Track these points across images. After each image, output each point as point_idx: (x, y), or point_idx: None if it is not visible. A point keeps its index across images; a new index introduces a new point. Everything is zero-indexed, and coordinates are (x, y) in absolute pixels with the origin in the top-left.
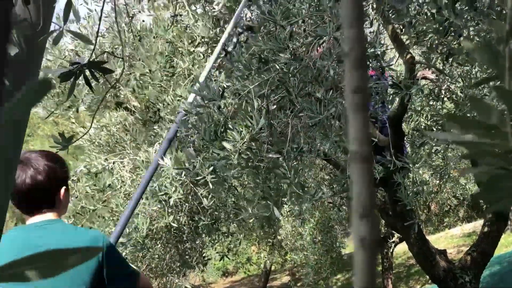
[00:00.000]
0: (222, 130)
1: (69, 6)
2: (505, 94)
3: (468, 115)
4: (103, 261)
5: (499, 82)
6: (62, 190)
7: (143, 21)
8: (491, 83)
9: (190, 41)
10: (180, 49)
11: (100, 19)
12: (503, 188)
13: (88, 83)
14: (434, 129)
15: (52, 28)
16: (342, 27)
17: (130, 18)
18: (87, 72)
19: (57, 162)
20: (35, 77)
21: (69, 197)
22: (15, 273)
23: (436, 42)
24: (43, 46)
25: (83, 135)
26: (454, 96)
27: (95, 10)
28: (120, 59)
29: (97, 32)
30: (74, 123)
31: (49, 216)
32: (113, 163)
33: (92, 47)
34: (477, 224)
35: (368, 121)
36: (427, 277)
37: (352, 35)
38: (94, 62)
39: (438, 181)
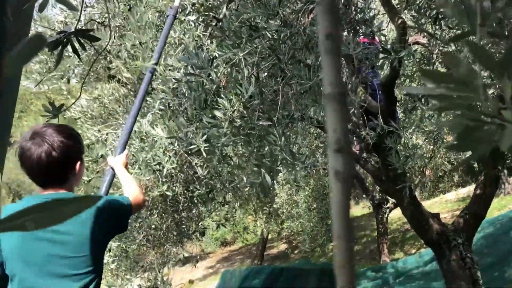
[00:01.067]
0: (212, 98)
1: None
2: (476, 49)
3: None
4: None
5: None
6: (77, 165)
7: None
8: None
9: (180, 9)
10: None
11: None
12: (476, 137)
13: (75, 51)
14: (425, 94)
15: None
16: None
17: None
18: (75, 41)
19: (72, 138)
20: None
21: (83, 170)
22: (16, 224)
23: (425, 6)
24: (30, 15)
25: (73, 103)
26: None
27: None
28: (110, 28)
29: (82, 3)
30: (66, 96)
31: (61, 190)
32: (106, 134)
33: (82, 19)
34: (471, 189)
35: (340, 64)
36: (422, 241)
37: None
38: (80, 30)
39: (431, 147)
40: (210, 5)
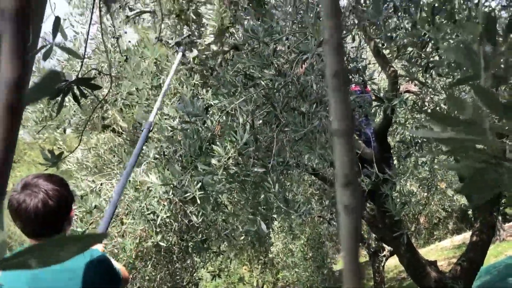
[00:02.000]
0: (207, 146)
1: (57, 22)
2: (482, 91)
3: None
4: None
5: (476, 81)
6: (71, 213)
7: (129, 41)
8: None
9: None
10: (166, 67)
11: (87, 36)
12: (487, 180)
13: (76, 99)
14: (419, 141)
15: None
16: (322, 18)
17: (116, 39)
18: (75, 89)
19: (64, 186)
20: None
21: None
22: (19, 262)
23: (416, 55)
24: (31, 63)
25: (71, 152)
26: (438, 107)
27: (81, 32)
28: (108, 77)
29: (85, 46)
30: (60, 147)
31: None
32: (101, 184)
33: (78, 68)
34: (467, 236)
35: (348, 101)
36: None
37: (331, 25)
38: (82, 79)
39: (425, 193)
40: (205, 56)
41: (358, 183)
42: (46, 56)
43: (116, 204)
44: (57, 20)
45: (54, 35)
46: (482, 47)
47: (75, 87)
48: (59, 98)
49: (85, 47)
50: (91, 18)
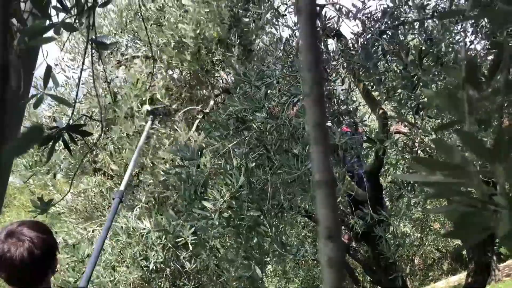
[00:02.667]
0: (202, 190)
1: (48, 71)
2: (466, 136)
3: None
4: None
5: (460, 126)
6: (55, 260)
7: (121, 84)
8: (455, 127)
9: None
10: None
11: (79, 81)
12: (474, 223)
13: (67, 146)
14: (411, 182)
15: (31, 94)
16: (301, 71)
17: (107, 83)
18: (66, 136)
19: (48, 232)
20: (16, 134)
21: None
22: None
23: (406, 97)
24: (22, 111)
25: (62, 198)
26: (428, 148)
27: (72, 77)
28: (98, 123)
29: (77, 92)
30: (50, 191)
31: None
32: (92, 231)
33: (69, 113)
34: (462, 276)
35: (329, 152)
36: None
37: (311, 78)
38: (73, 126)
39: (419, 234)
40: (197, 98)
41: (341, 236)
42: (36, 105)
43: (93, 267)
44: (48, 69)
45: (45, 84)
46: (465, 92)
47: (65, 133)
48: (49, 145)
49: (77, 93)
50: (83, 64)
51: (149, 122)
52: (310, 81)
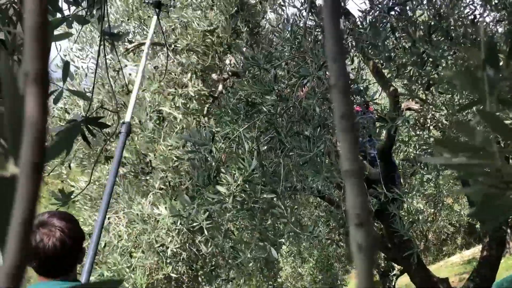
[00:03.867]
0: (215, 174)
1: (67, 66)
2: (488, 116)
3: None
4: None
5: (481, 106)
6: (83, 250)
7: (130, 74)
8: (474, 108)
9: (179, 88)
10: (169, 97)
11: (95, 74)
12: (497, 205)
13: (85, 139)
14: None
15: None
16: (327, 62)
17: (117, 71)
18: (84, 128)
19: (75, 222)
20: None
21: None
22: None
23: (416, 73)
24: None
25: (83, 190)
26: (439, 124)
27: (82, 67)
28: (111, 113)
29: (93, 88)
30: (63, 181)
31: (69, 277)
32: (108, 219)
33: (80, 103)
34: (476, 250)
35: (356, 142)
36: None
37: (337, 68)
38: (91, 118)
39: (432, 210)
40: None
41: (372, 223)
42: (56, 100)
43: (98, 239)
44: (67, 64)
45: (64, 80)
46: (485, 72)
47: (83, 126)
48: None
49: (93, 88)
50: (98, 56)
51: (154, 18)
52: (336, 72)
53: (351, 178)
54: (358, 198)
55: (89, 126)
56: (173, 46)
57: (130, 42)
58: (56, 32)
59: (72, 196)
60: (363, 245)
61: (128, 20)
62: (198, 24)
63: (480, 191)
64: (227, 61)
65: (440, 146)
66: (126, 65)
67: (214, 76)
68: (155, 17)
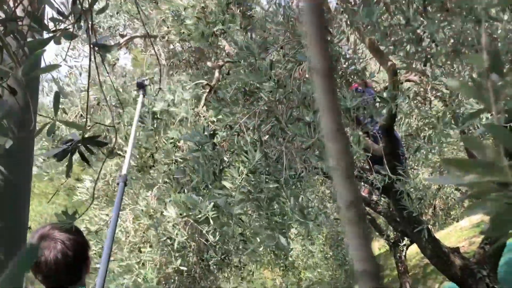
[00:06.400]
0: (220, 169)
1: (57, 98)
2: (496, 130)
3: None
4: None
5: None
6: (88, 261)
7: (125, 64)
8: (480, 116)
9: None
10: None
11: (87, 92)
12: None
13: (84, 159)
14: (426, 129)
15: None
16: (326, 142)
17: (111, 66)
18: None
19: (79, 233)
20: (31, 160)
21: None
22: None
23: (413, 49)
24: (32, 141)
25: (85, 211)
26: (440, 94)
27: (75, 66)
28: (115, 130)
29: (86, 108)
30: (68, 179)
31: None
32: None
33: (77, 103)
34: None
35: (369, 235)
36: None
37: (337, 149)
38: (88, 138)
39: None
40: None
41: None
42: (49, 133)
43: (107, 264)
44: (57, 96)
45: (56, 111)
46: (489, 79)
47: (81, 146)
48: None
49: (87, 106)
50: (90, 75)
51: (141, 96)
52: (337, 153)
53: (368, 282)
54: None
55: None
56: (166, 37)
57: (122, 36)
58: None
59: (76, 216)
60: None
61: (117, 13)
62: (189, 11)
63: (494, 207)
64: (222, 47)
65: (450, 165)
66: (118, 59)
67: (209, 63)
68: (141, 96)
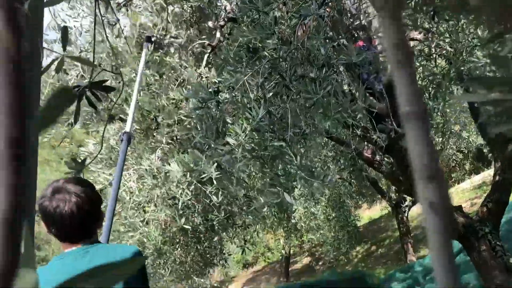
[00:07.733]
0: (223, 126)
1: (65, 32)
2: (499, 60)
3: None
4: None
5: None
6: (101, 214)
7: (124, 26)
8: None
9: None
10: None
11: (93, 39)
12: None
13: (91, 104)
14: (430, 89)
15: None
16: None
17: (111, 26)
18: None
19: (92, 187)
20: (37, 105)
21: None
22: None
23: (420, 2)
24: (39, 79)
25: (95, 157)
26: (444, 52)
27: (74, 26)
28: (108, 68)
29: (93, 56)
30: (70, 143)
31: (91, 242)
32: None
33: (78, 65)
34: (486, 175)
35: (415, 76)
36: None
37: None
38: (96, 83)
39: (440, 139)
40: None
41: (443, 177)
42: (58, 69)
43: (112, 219)
44: (65, 30)
45: (64, 47)
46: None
47: (88, 91)
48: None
49: (93, 55)
50: (95, 20)
51: (145, 50)
52: None
53: (413, 122)
54: (425, 146)
55: (93, 91)
56: None
57: None
58: None
59: (85, 164)
60: (436, 203)
61: None
62: None
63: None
64: (223, 7)
65: (474, 83)
66: (118, 20)
67: (210, 24)
68: (145, 49)
